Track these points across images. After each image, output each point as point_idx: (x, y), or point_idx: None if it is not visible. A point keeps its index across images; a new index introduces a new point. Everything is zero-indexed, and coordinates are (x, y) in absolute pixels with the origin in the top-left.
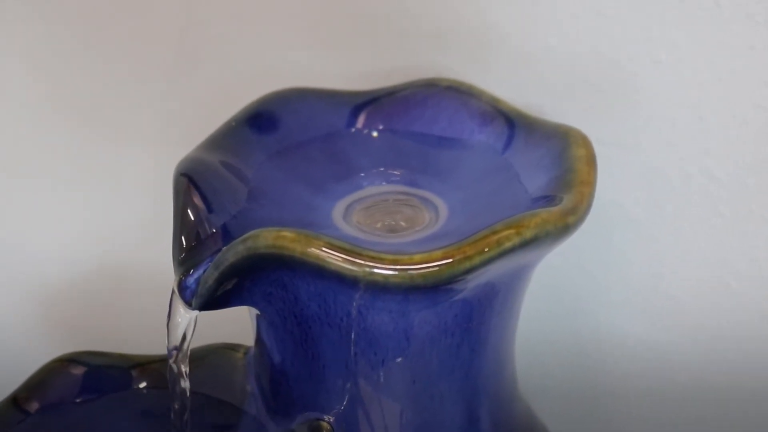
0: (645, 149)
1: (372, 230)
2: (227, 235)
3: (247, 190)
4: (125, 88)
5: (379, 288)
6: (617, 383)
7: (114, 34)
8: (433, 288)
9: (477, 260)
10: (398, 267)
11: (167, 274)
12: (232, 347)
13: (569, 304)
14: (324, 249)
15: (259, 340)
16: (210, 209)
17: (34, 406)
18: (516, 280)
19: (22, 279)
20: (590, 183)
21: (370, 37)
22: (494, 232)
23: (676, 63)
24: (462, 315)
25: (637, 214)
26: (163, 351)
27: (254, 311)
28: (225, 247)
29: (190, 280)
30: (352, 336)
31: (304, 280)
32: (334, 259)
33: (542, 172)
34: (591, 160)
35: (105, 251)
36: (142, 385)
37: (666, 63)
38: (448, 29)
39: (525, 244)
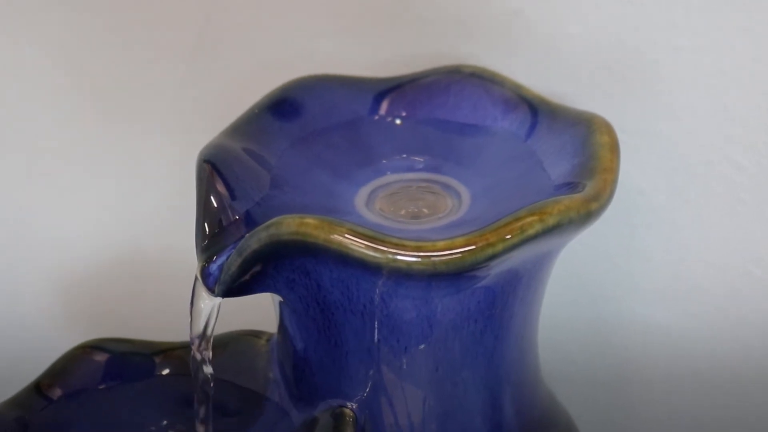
0: (667, 136)
1: (395, 217)
2: (250, 221)
3: (270, 176)
4: (148, 75)
5: (402, 275)
6: (640, 370)
7: (137, 21)
8: (456, 275)
9: (500, 247)
10: (421, 254)
11: (190, 260)
12: (255, 334)
13: (592, 290)
14: (347, 236)
15: (282, 326)
16: (233, 196)
17: (57, 392)
18: (539, 267)
19: (45, 266)
20: (613, 170)
21: (394, 23)
22: (517, 219)
23: (699, 50)
24: (485, 302)
25: (660, 201)
26: (186, 338)
27: (277, 298)
28: (248, 234)
29: (213, 267)
30: (375, 323)
31: (326, 267)
32: (357, 245)
33: (565, 159)
34: (614, 147)
35: (128, 238)
36: (165, 371)
37: (688, 50)
38: (471, 16)
39: (548, 231)
